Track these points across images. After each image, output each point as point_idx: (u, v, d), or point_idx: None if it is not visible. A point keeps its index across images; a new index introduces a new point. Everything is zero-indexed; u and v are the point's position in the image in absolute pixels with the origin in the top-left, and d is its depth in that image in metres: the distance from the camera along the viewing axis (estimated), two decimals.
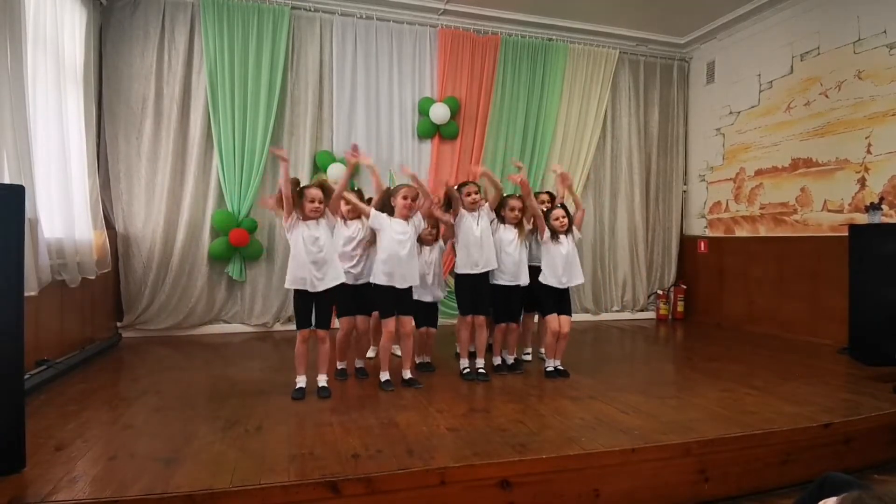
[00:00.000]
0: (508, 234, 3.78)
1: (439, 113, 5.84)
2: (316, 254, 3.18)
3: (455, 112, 5.97)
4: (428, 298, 3.82)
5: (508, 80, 6.21)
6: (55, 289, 3.76)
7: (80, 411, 2.92)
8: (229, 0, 5.32)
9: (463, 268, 3.67)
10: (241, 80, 5.36)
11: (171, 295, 5.28)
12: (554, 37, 6.38)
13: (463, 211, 3.68)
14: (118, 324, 5.15)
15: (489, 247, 3.68)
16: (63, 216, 3.95)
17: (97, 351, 4.35)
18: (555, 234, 3.75)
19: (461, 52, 6.07)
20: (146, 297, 5.21)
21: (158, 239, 5.22)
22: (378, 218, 3.41)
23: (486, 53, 6.13)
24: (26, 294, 2.37)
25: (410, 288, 3.50)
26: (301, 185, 3.24)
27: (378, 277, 3.41)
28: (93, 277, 4.30)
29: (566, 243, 3.76)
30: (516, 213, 3.76)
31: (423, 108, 5.93)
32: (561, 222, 3.73)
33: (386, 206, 3.50)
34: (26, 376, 2.86)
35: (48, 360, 3.60)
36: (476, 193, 3.68)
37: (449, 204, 3.82)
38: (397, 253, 3.36)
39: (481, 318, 3.73)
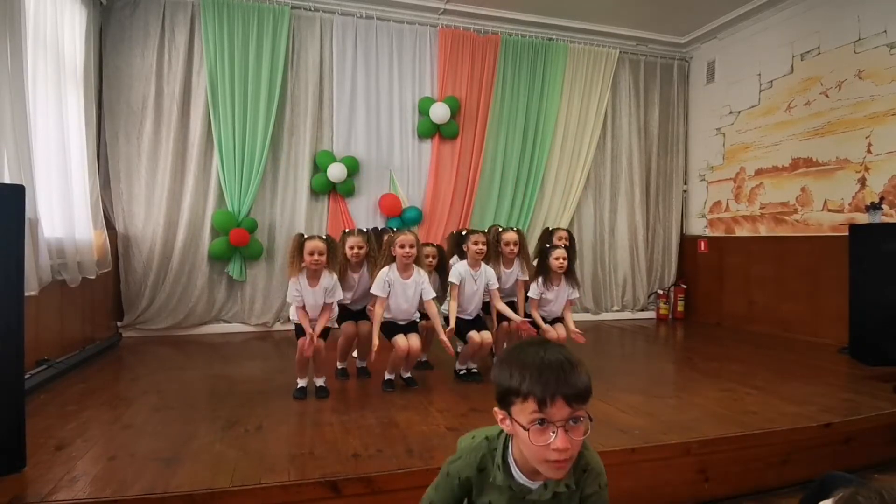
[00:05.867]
0: (505, 277, 3.80)
1: (439, 113, 5.84)
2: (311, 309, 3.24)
3: (455, 112, 5.97)
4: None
5: (508, 79, 6.21)
6: (55, 288, 3.76)
7: (80, 411, 2.91)
8: (229, 0, 5.32)
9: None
10: (241, 80, 5.36)
11: (171, 295, 5.28)
12: (554, 36, 6.38)
13: (460, 264, 3.62)
14: (118, 323, 5.15)
15: (479, 300, 3.66)
16: (63, 216, 3.95)
17: (97, 351, 4.35)
18: (547, 278, 3.65)
19: (461, 51, 6.07)
20: (146, 297, 5.21)
21: (158, 238, 5.22)
22: (378, 289, 3.33)
23: (486, 53, 6.13)
24: (26, 294, 2.37)
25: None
26: (305, 237, 3.22)
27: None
28: (93, 277, 4.31)
29: (555, 292, 3.68)
30: (511, 247, 3.73)
31: (424, 108, 5.92)
32: (560, 263, 3.61)
33: (390, 256, 3.40)
34: (26, 376, 2.85)
35: (48, 360, 3.60)
36: (483, 244, 3.59)
37: (453, 249, 3.81)
38: (399, 309, 3.41)
39: (488, 337, 3.59)
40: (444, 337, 3.30)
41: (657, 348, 5.33)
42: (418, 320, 3.59)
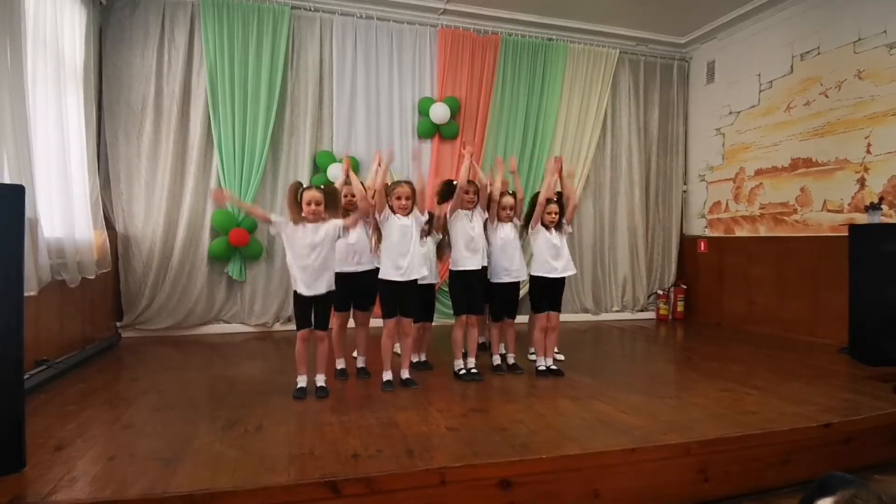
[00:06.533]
0: (508, 231, 3.82)
1: (439, 113, 5.84)
2: (306, 258, 3.17)
3: (455, 112, 5.97)
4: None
5: (508, 79, 6.21)
6: (55, 288, 3.76)
7: (79, 411, 2.91)
8: (229, 0, 5.32)
9: (458, 265, 3.68)
10: (241, 80, 5.36)
11: (170, 295, 5.28)
12: (554, 36, 6.38)
13: (457, 210, 3.69)
14: (118, 323, 5.15)
15: (483, 246, 3.72)
16: (63, 216, 3.95)
17: (97, 351, 4.35)
18: (544, 226, 3.80)
19: (461, 51, 6.07)
20: (146, 297, 5.21)
21: (158, 239, 5.22)
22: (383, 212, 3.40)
23: (486, 53, 6.13)
24: (26, 294, 2.37)
25: (415, 287, 3.48)
26: (304, 187, 3.23)
27: (385, 272, 3.42)
28: (93, 277, 4.30)
29: (554, 235, 3.80)
30: (508, 211, 3.80)
31: (423, 108, 5.92)
32: (552, 218, 3.76)
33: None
34: (26, 376, 2.85)
35: (48, 360, 3.60)
36: (474, 193, 3.71)
37: (445, 196, 3.82)
38: (403, 245, 3.38)
39: (473, 318, 3.73)
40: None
41: (657, 348, 5.33)
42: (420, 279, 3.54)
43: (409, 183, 3.47)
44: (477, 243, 3.68)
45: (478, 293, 3.75)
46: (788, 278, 5.62)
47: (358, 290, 3.68)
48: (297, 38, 5.63)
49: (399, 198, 3.39)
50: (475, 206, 3.71)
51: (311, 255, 3.17)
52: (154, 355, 4.51)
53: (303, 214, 3.16)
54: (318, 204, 3.15)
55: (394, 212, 3.41)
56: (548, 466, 2.31)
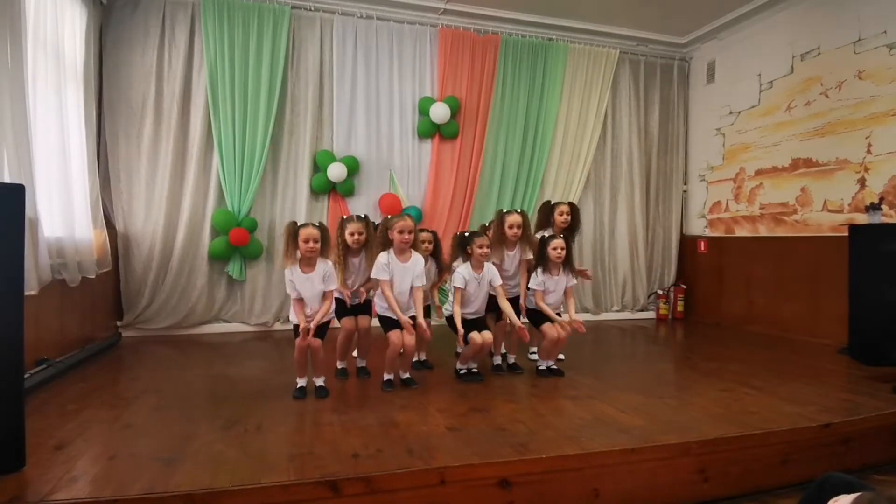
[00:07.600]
0: (509, 260, 3.81)
1: (439, 113, 5.84)
2: (312, 302, 3.23)
3: (455, 112, 5.97)
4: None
5: (508, 79, 6.21)
6: (55, 288, 3.76)
7: (79, 410, 2.92)
8: (229, 0, 5.32)
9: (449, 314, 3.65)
10: (241, 80, 5.36)
11: (171, 294, 5.28)
12: (554, 37, 6.38)
13: (463, 267, 3.61)
14: (118, 323, 5.15)
15: (483, 297, 3.66)
16: (63, 215, 3.95)
17: (97, 350, 4.35)
18: (546, 268, 3.70)
19: (461, 51, 6.07)
20: (146, 297, 5.21)
21: (158, 238, 5.22)
22: (380, 273, 3.35)
23: (487, 53, 6.13)
24: (26, 293, 2.37)
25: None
26: (299, 225, 3.21)
27: (381, 309, 3.46)
28: (93, 277, 4.30)
29: (554, 281, 3.72)
30: (515, 230, 3.73)
31: (424, 108, 5.92)
32: (558, 253, 3.66)
33: (385, 240, 3.42)
34: (26, 375, 2.86)
35: (48, 360, 3.60)
36: (487, 247, 3.59)
37: (459, 251, 3.73)
38: (400, 296, 3.39)
39: (488, 336, 3.59)
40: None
41: (657, 348, 5.33)
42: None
43: (410, 217, 3.46)
44: (475, 298, 3.62)
45: (479, 319, 3.70)
46: (788, 278, 5.62)
47: (355, 309, 3.66)
48: (297, 38, 5.64)
49: (402, 231, 3.33)
50: (485, 261, 3.62)
51: (317, 299, 3.25)
52: (154, 355, 4.51)
53: (298, 253, 3.15)
54: (315, 241, 3.14)
55: (391, 247, 3.37)
56: (547, 466, 2.31)
